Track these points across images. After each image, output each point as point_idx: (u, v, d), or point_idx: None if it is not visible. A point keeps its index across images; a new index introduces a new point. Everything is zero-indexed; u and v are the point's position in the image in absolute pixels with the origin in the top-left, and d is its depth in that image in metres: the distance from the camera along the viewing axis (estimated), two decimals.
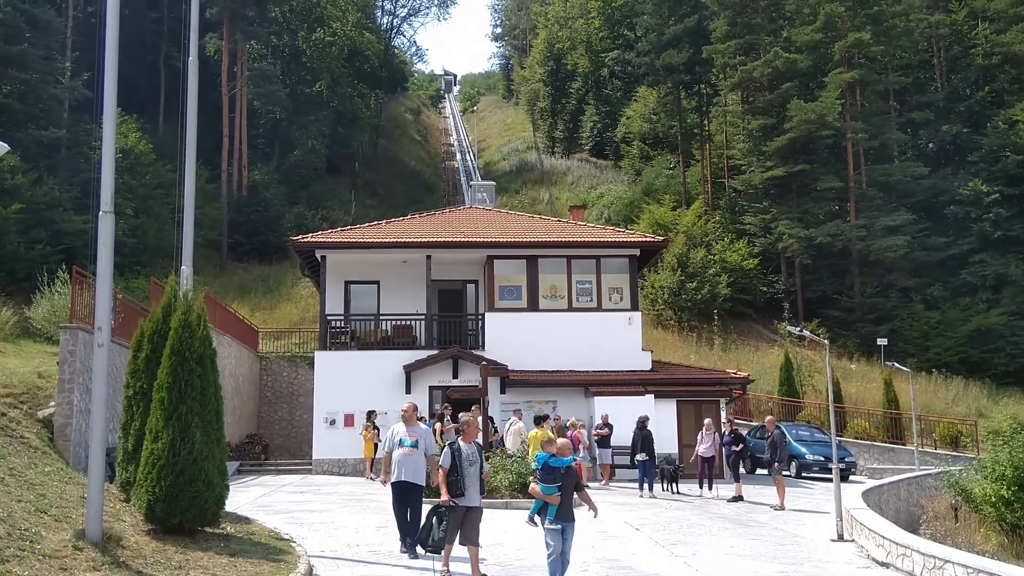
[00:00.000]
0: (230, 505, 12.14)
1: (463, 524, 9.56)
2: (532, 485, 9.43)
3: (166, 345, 10.64)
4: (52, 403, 15.12)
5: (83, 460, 13.80)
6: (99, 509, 9.25)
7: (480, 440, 20.39)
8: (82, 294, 16.24)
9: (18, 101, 35.98)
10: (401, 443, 10.95)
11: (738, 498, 18.73)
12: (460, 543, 9.58)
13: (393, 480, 11.01)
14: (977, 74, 51.89)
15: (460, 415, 10.96)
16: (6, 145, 8.01)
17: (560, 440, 9.89)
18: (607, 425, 21.76)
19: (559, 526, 9.14)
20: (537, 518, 9.41)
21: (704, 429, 20.52)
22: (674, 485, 20.23)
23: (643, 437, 20.17)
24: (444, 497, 9.47)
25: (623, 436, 21.33)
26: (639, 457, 20.01)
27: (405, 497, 11.05)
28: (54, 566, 8.04)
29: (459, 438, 9.79)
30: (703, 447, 20.29)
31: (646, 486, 19.65)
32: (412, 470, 10.97)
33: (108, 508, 10.06)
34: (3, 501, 9.52)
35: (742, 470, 20.94)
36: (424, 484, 11.21)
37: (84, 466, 13.01)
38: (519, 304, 25.73)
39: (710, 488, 19.94)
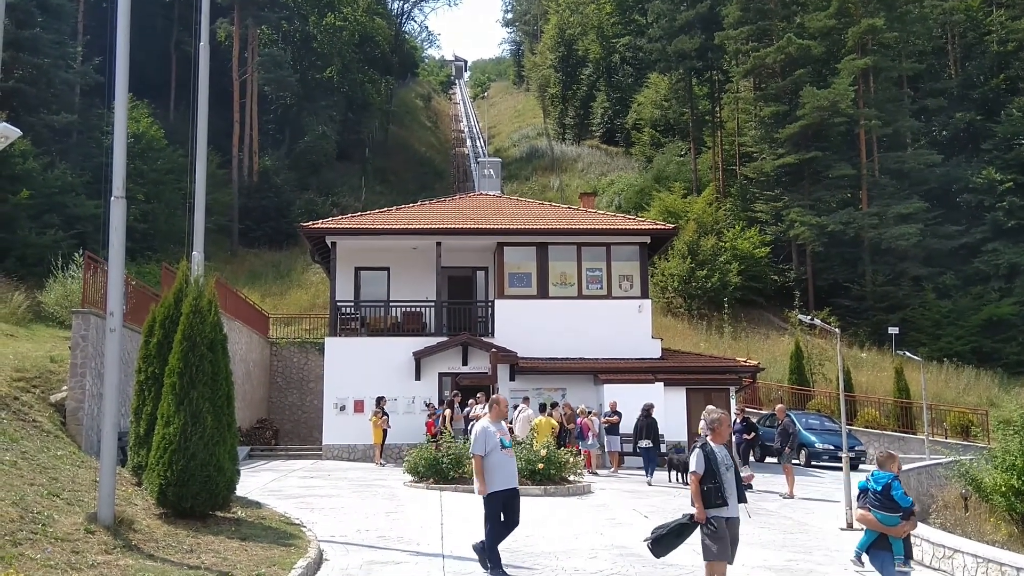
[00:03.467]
0: (241, 490, 12.21)
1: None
2: (861, 511, 7.67)
3: (177, 330, 10.69)
4: (64, 387, 15.21)
5: (95, 444, 13.90)
6: (111, 493, 9.33)
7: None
8: (94, 279, 16.31)
9: (30, 86, 36.04)
10: (502, 444, 9.41)
11: (747, 487, 18.70)
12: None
13: (499, 488, 9.29)
14: (991, 61, 51.38)
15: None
16: (18, 130, 8.02)
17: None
18: (616, 412, 21.77)
19: (910, 569, 7.47)
20: (865, 556, 7.70)
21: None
22: (682, 476, 19.35)
23: (648, 424, 20.20)
24: (699, 512, 7.98)
25: (632, 424, 21.31)
26: (643, 443, 20.10)
27: (509, 506, 9.45)
28: (66, 549, 8.11)
29: (708, 437, 8.30)
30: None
31: (650, 470, 19.75)
32: (516, 473, 9.61)
33: (120, 492, 10.14)
34: (16, 485, 9.60)
35: (752, 458, 20.91)
36: None
37: (96, 450, 13.11)
38: (529, 291, 25.72)
39: None
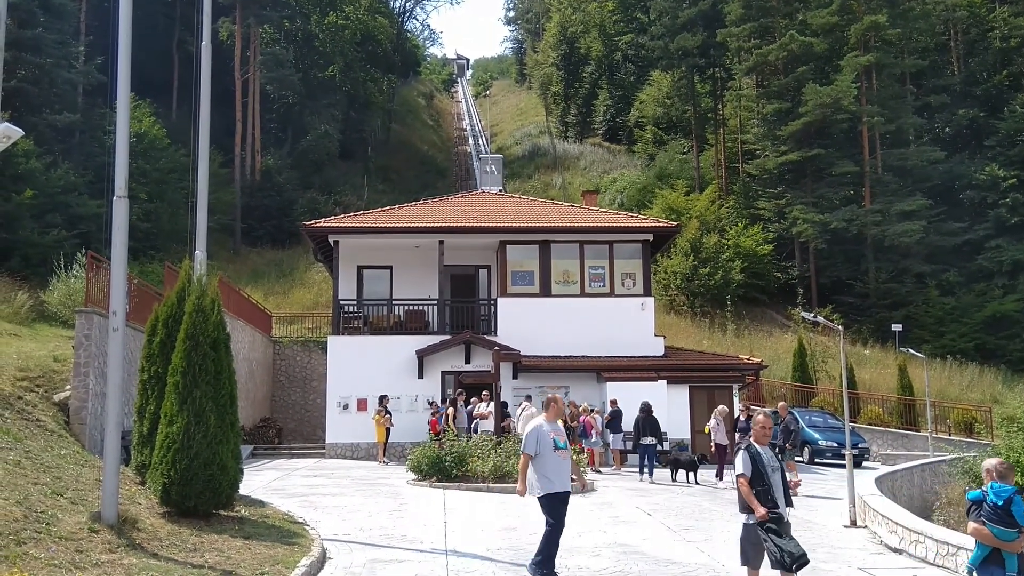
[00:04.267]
0: (244, 488, 12.23)
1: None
2: (975, 525, 6.92)
3: (180, 329, 10.70)
4: (68, 387, 15.23)
5: (99, 443, 13.91)
6: (115, 492, 9.33)
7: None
8: (97, 278, 16.32)
9: (32, 85, 36.08)
10: (556, 444, 8.98)
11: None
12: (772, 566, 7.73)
13: (556, 490, 8.89)
14: (994, 57, 51.25)
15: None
16: (20, 130, 8.02)
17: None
18: (616, 410, 21.79)
19: None
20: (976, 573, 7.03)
21: (718, 414, 20.20)
22: (691, 475, 19.26)
23: (649, 422, 20.22)
24: (760, 511, 7.63)
25: (630, 422, 21.39)
26: (647, 440, 20.05)
27: (566, 506, 9.09)
28: (70, 548, 8.11)
29: (750, 438, 8.05)
30: (719, 435, 19.90)
31: (647, 469, 19.72)
32: (568, 477, 9.12)
33: (123, 491, 10.14)
34: (20, 484, 9.62)
35: None
36: None
37: (100, 449, 13.13)
38: (531, 289, 25.71)
39: (719, 477, 19.33)
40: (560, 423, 9.58)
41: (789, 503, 7.98)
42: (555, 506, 8.91)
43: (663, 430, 22.10)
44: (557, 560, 10.25)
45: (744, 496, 7.78)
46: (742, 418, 20.61)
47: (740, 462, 7.84)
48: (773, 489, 7.73)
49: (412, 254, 26.74)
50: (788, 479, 8.08)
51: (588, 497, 16.20)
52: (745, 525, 7.86)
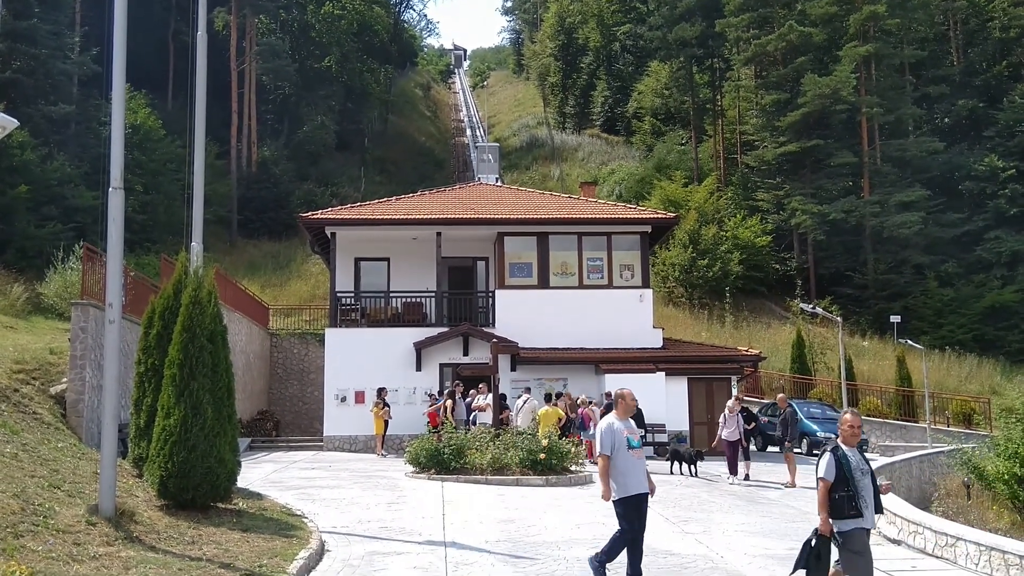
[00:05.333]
0: (242, 481, 12.20)
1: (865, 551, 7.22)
2: None
3: (177, 322, 10.65)
4: (64, 379, 15.19)
5: (96, 436, 13.88)
6: (112, 485, 9.30)
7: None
8: (93, 271, 16.26)
9: (27, 76, 35.89)
10: (629, 444, 8.36)
11: (746, 476, 18.58)
12: None
13: (632, 492, 8.27)
14: (994, 48, 51.18)
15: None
16: (15, 121, 7.95)
17: None
18: (610, 403, 21.72)
19: None
20: None
21: (727, 411, 19.74)
22: (692, 468, 18.95)
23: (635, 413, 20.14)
24: (823, 523, 7.18)
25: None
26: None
27: (642, 510, 8.40)
28: (68, 541, 8.08)
29: (839, 439, 7.48)
30: (727, 431, 18.81)
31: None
32: (647, 476, 8.46)
33: (121, 484, 10.11)
34: (17, 477, 9.58)
35: (753, 447, 20.86)
36: None
37: (97, 442, 13.09)
38: (529, 281, 25.66)
39: (734, 473, 18.40)
40: (632, 420, 8.83)
41: (879, 510, 7.41)
42: (630, 510, 8.29)
43: (660, 421, 22.16)
44: (557, 551, 10.24)
45: (819, 503, 7.27)
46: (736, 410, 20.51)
47: (824, 465, 7.28)
48: (860, 494, 7.14)
49: (410, 246, 26.67)
50: (880, 483, 7.58)
51: (587, 488, 16.20)
52: (840, 533, 7.20)
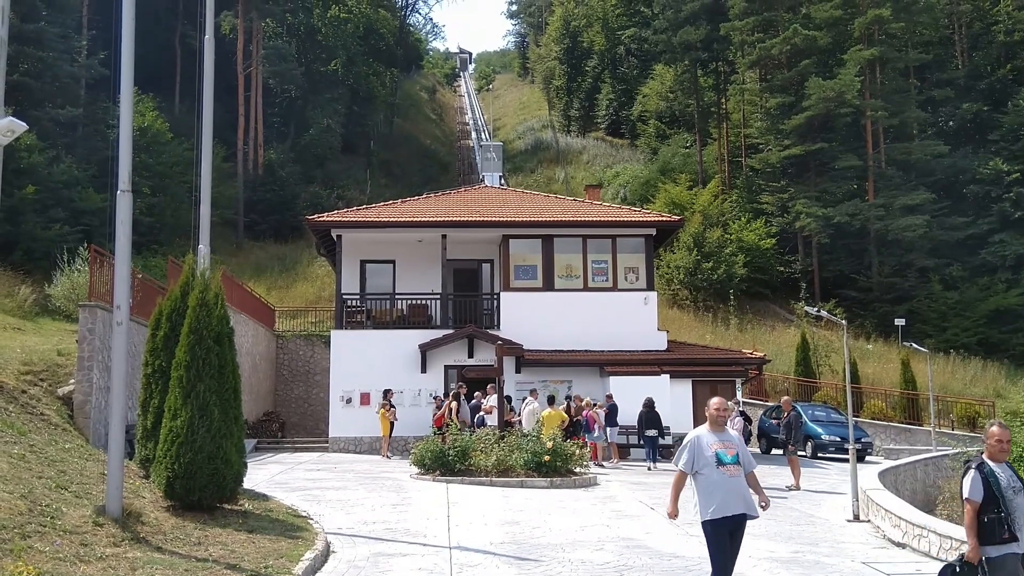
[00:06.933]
0: (248, 482, 12.24)
1: None
2: None
3: (184, 324, 10.71)
4: (72, 381, 15.26)
5: (103, 437, 13.95)
6: (119, 486, 9.35)
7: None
8: (100, 273, 16.34)
9: (35, 79, 36.08)
10: (719, 459, 7.32)
11: None
12: None
13: (717, 516, 7.22)
14: (998, 51, 51.07)
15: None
16: (24, 124, 8.02)
17: None
18: (612, 404, 21.89)
19: None
20: None
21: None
22: None
23: (650, 416, 21.01)
24: (972, 550, 6.48)
25: (634, 416, 21.80)
26: (649, 432, 20.90)
27: (735, 537, 7.37)
28: (75, 542, 8.13)
29: (984, 455, 6.73)
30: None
31: (652, 457, 20.76)
32: (744, 496, 7.36)
33: (128, 485, 10.16)
34: (24, 477, 9.64)
35: (757, 450, 20.93)
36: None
37: (104, 443, 13.16)
38: (534, 284, 25.70)
39: None
40: (731, 430, 7.89)
41: None
42: (715, 536, 7.27)
43: (666, 424, 22.25)
44: (561, 553, 10.25)
45: (966, 526, 6.55)
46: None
47: (969, 484, 6.56)
48: (1012, 515, 6.39)
49: (415, 248, 26.73)
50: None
51: (591, 491, 16.24)
52: (989, 560, 6.50)
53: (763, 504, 7.53)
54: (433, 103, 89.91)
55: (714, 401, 7.52)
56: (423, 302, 26.04)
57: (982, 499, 6.48)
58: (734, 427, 18.82)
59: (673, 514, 7.51)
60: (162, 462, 10.25)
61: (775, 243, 45.16)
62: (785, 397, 20.65)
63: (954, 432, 28.92)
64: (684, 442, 7.51)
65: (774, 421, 20.06)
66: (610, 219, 26.47)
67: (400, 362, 24.77)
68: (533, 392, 22.10)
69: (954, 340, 38.92)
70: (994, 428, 6.81)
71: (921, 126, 48.79)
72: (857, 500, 14.04)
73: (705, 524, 7.30)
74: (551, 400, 21.53)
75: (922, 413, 30.17)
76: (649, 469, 20.22)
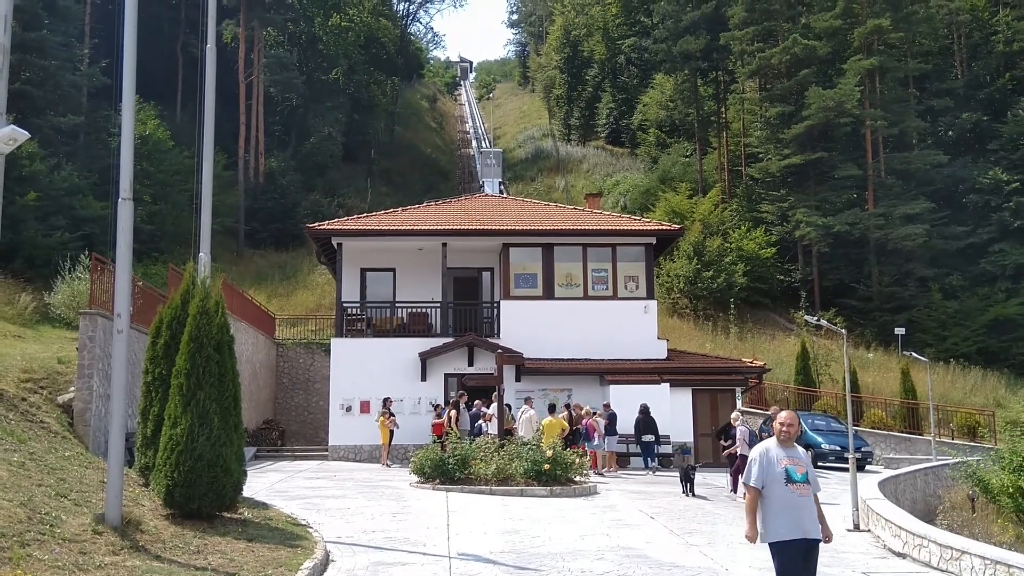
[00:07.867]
0: (247, 490, 12.24)
1: None
2: None
3: (184, 332, 10.73)
4: (72, 388, 15.25)
5: (103, 445, 13.94)
6: (118, 494, 9.34)
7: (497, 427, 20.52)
8: (101, 280, 16.35)
9: (37, 88, 36.12)
10: (789, 475, 6.78)
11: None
12: None
13: (784, 538, 6.68)
14: (998, 61, 51.20)
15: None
16: (25, 132, 8.04)
17: None
18: (611, 413, 21.88)
19: None
20: None
21: (733, 421, 19.26)
22: (688, 485, 17.75)
23: (646, 422, 21.50)
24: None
25: (631, 423, 22.06)
26: (646, 438, 21.44)
27: (808, 562, 6.74)
28: (74, 550, 8.13)
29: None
30: (744, 446, 18.70)
31: (650, 462, 21.40)
32: (814, 519, 6.80)
33: (127, 493, 10.16)
34: (24, 485, 9.63)
35: None
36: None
37: (103, 451, 13.15)
38: (535, 292, 25.72)
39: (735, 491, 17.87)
40: (799, 447, 7.22)
41: None
42: (787, 560, 6.69)
43: (664, 433, 22.29)
44: (561, 562, 10.23)
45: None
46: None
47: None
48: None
49: (415, 256, 26.76)
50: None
51: (591, 500, 16.22)
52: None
53: (826, 538, 6.95)
54: (434, 112, 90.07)
55: (784, 415, 6.98)
56: (423, 310, 26.06)
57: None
58: (740, 436, 18.66)
59: (752, 537, 6.86)
60: (162, 470, 10.25)
61: (775, 252, 45.17)
62: (773, 407, 20.27)
63: (954, 441, 28.85)
64: (751, 456, 7.01)
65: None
66: (610, 228, 26.51)
67: (400, 370, 24.76)
68: (528, 400, 22.09)
69: (954, 349, 38.90)
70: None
71: (921, 135, 48.87)
72: (857, 510, 14.02)
73: (774, 546, 6.72)
74: (551, 408, 21.54)
75: (922, 422, 30.14)
76: (652, 472, 20.46)
